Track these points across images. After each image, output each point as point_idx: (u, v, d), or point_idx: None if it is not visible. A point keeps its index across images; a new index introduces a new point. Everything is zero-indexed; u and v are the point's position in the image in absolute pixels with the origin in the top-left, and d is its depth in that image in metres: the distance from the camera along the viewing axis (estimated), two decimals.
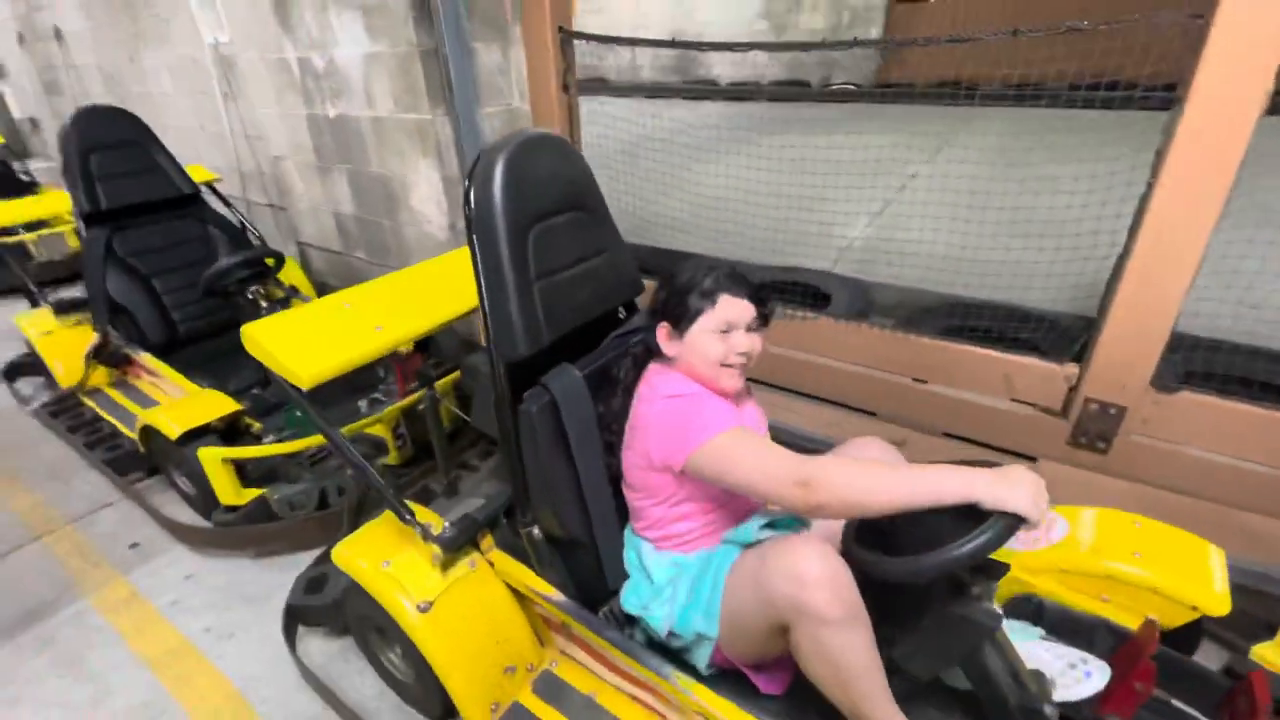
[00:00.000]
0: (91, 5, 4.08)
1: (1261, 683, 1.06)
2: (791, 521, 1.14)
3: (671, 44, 2.46)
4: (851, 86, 10.03)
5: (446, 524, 1.24)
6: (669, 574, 1.16)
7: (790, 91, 10.03)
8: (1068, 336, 2.17)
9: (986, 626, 0.96)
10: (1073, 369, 1.96)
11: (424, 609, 1.16)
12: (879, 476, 0.90)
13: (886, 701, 0.98)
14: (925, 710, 1.13)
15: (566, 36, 2.50)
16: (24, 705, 1.41)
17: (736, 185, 2.73)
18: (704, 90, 10.76)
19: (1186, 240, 1.63)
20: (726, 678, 1.13)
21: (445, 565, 1.22)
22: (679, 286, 1.13)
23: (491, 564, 1.27)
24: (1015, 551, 1.37)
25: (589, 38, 2.51)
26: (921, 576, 0.88)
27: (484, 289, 1.14)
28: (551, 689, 1.25)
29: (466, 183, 1.13)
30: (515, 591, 1.28)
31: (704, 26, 11.26)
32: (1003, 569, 1.05)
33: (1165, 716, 1.10)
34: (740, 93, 10.44)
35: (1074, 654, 1.14)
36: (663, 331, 1.15)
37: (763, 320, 1.16)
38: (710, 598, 1.07)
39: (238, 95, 3.32)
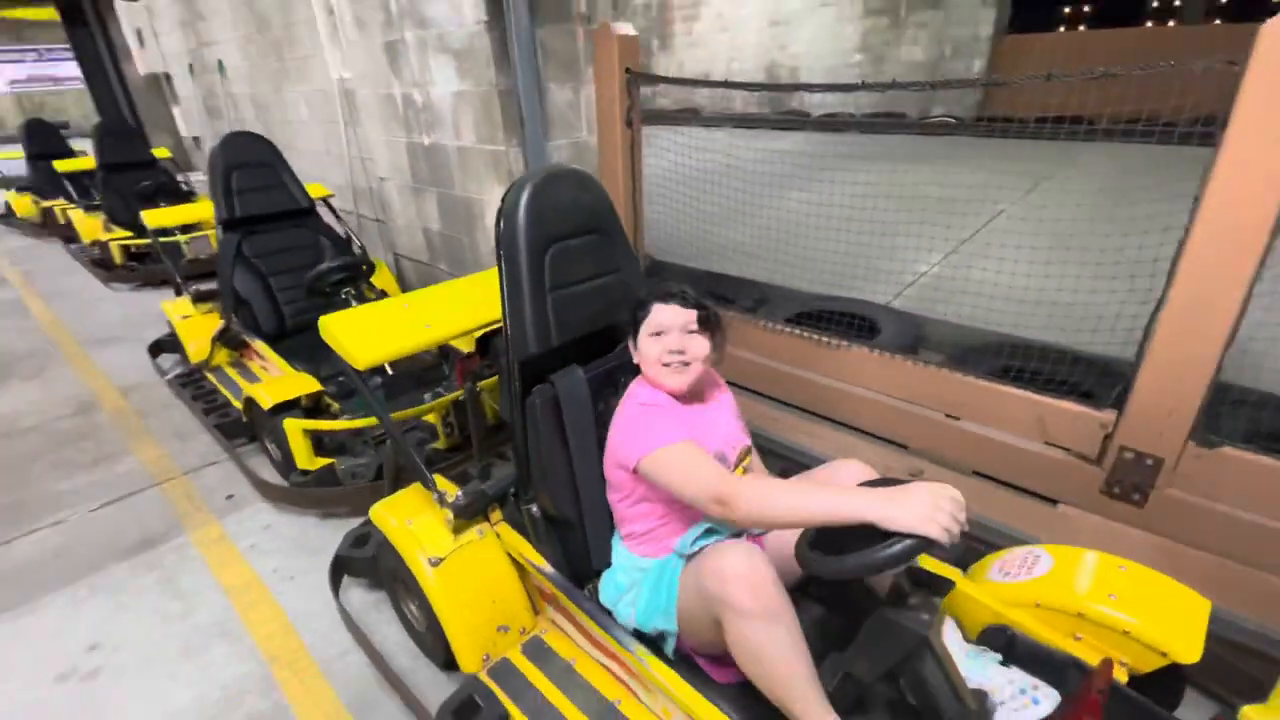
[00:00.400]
0: (247, 44, 4.82)
1: None
2: (725, 531, 1.22)
3: (724, 84, 2.62)
4: (951, 119, 9.74)
5: (460, 494, 1.44)
6: (631, 578, 1.29)
7: (882, 123, 9.88)
8: (1117, 384, 2.08)
9: (914, 632, 1.03)
10: (1109, 415, 1.91)
11: (435, 563, 1.36)
12: (788, 496, 1.01)
13: (811, 698, 1.05)
14: (872, 717, 1.19)
15: (633, 77, 2.73)
16: (129, 611, 1.75)
17: (813, 216, 2.82)
18: (771, 120, 10.76)
19: (1224, 288, 1.59)
20: (691, 663, 1.24)
21: (457, 530, 1.42)
22: (634, 304, 1.31)
23: (498, 535, 1.46)
24: (996, 583, 1.39)
25: (653, 79, 2.72)
26: (842, 575, 0.97)
27: (505, 296, 1.35)
28: (538, 652, 1.41)
29: (500, 206, 1.35)
30: (516, 563, 1.46)
31: (798, 60, 11.37)
32: (946, 585, 1.10)
33: None
34: (831, 123, 10.37)
35: (1027, 680, 1.16)
36: (631, 345, 1.32)
37: (703, 323, 1.29)
38: (667, 600, 1.19)
39: (355, 124, 3.83)
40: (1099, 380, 2.15)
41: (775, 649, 1.04)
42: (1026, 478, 2.07)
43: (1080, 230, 2.35)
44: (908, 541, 0.92)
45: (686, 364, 1.28)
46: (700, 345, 1.29)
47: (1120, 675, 1.20)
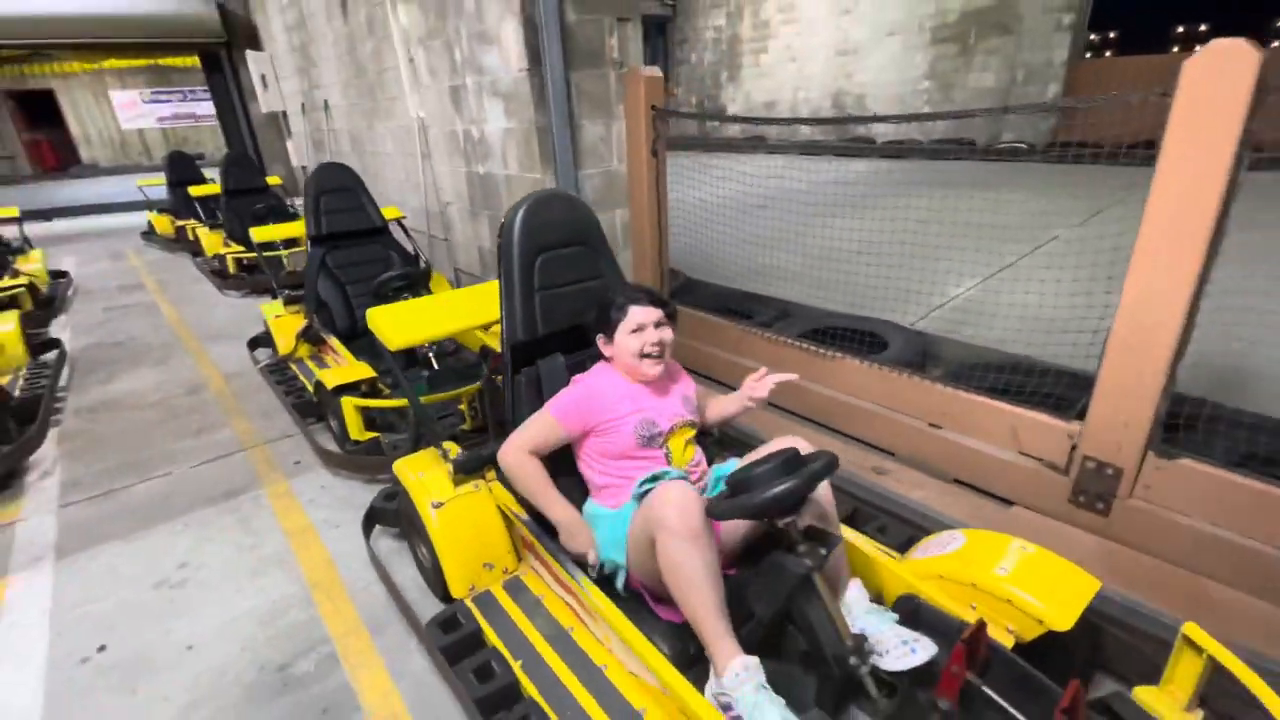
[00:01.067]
0: (347, 87, 5.55)
1: (1078, 692, 1.17)
2: (671, 474, 1.48)
3: (747, 120, 2.89)
4: (1022, 145, 9.51)
5: (460, 454, 1.76)
6: (595, 524, 1.56)
7: (947, 149, 9.76)
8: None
9: (793, 573, 1.24)
10: (1076, 426, 2.00)
11: (437, 505, 1.69)
12: (528, 483, 1.55)
13: (716, 618, 1.27)
14: (778, 661, 1.38)
15: (658, 114, 3.05)
16: (213, 542, 2.20)
17: (857, 240, 2.98)
18: (836, 148, 10.78)
19: (1168, 303, 1.70)
20: (641, 600, 1.48)
21: (457, 483, 1.75)
22: (603, 308, 1.60)
23: (491, 490, 1.77)
24: (914, 559, 1.56)
25: (675, 114, 3.04)
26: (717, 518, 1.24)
27: (502, 294, 1.67)
28: (516, 588, 1.70)
29: (502, 222, 1.68)
30: (504, 515, 1.75)
31: (864, 88, 11.45)
32: (834, 539, 1.31)
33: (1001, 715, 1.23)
34: (895, 150, 10.35)
35: (910, 635, 1.32)
36: (600, 340, 1.62)
37: (669, 317, 1.59)
38: (620, 536, 1.46)
39: (429, 156, 4.37)
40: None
41: (691, 568, 1.27)
42: (1002, 486, 2.17)
43: (1124, 258, 2.32)
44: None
45: (662, 353, 1.56)
46: (669, 335, 1.59)
47: (1006, 640, 1.34)
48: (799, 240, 3.41)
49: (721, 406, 1.76)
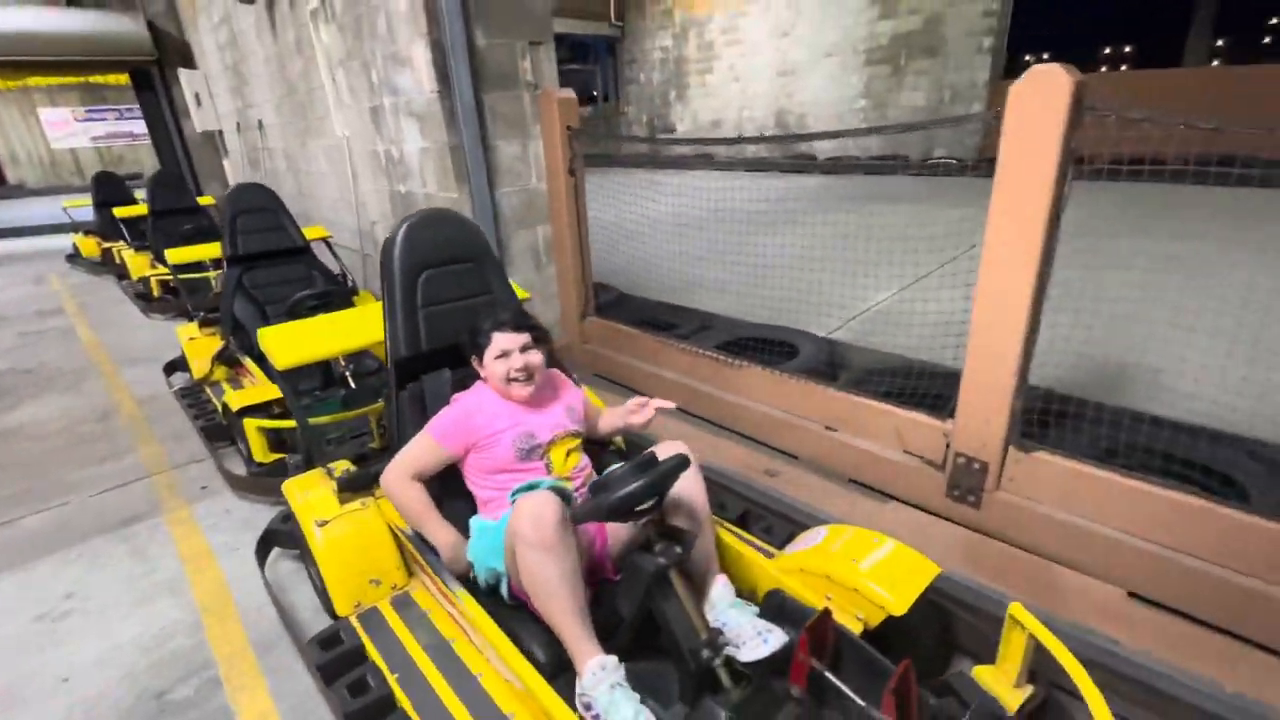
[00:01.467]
0: (280, 106, 5.50)
1: (907, 671, 1.25)
2: (544, 483, 1.51)
3: (650, 140, 2.99)
4: (952, 161, 9.96)
5: (344, 472, 1.78)
6: (479, 535, 1.58)
7: (884, 165, 10.15)
8: None
9: (646, 570, 1.30)
10: (950, 424, 2.12)
11: (321, 524, 1.69)
12: (409, 510, 1.60)
13: (574, 622, 1.32)
14: (655, 660, 1.42)
15: (572, 133, 3.13)
16: (104, 570, 2.14)
17: (789, 254, 3.09)
18: (781, 165, 11.12)
19: (1011, 305, 1.83)
20: (524, 608, 1.51)
21: (343, 500, 1.75)
22: (472, 332, 1.64)
23: (380, 507, 1.78)
24: (783, 554, 1.63)
25: (587, 135, 3.12)
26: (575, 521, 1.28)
27: (385, 311, 1.70)
28: (403, 604, 1.71)
29: (383, 241, 1.72)
30: (393, 531, 1.77)
31: (805, 107, 11.84)
32: (690, 537, 1.37)
33: (840, 698, 1.30)
34: (836, 166, 10.68)
35: (765, 626, 1.39)
36: (475, 361, 1.65)
37: (537, 340, 1.62)
38: (500, 546, 1.49)
39: (357, 175, 4.37)
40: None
41: (546, 576, 1.31)
42: (891, 485, 2.28)
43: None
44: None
45: (530, 377, 1.61)
46: (537, 358, 1.63)
47: (855, 627, 1.42)
48: (736, 255, 3.54)
49: (610, 420, 1.82)
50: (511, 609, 1.50)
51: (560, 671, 1.38)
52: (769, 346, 3.32)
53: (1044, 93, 1.64)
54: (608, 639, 1.36)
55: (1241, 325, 2.97)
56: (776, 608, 1.53)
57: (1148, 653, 1.46)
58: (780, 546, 1.80)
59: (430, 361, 1.74)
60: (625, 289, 4.47)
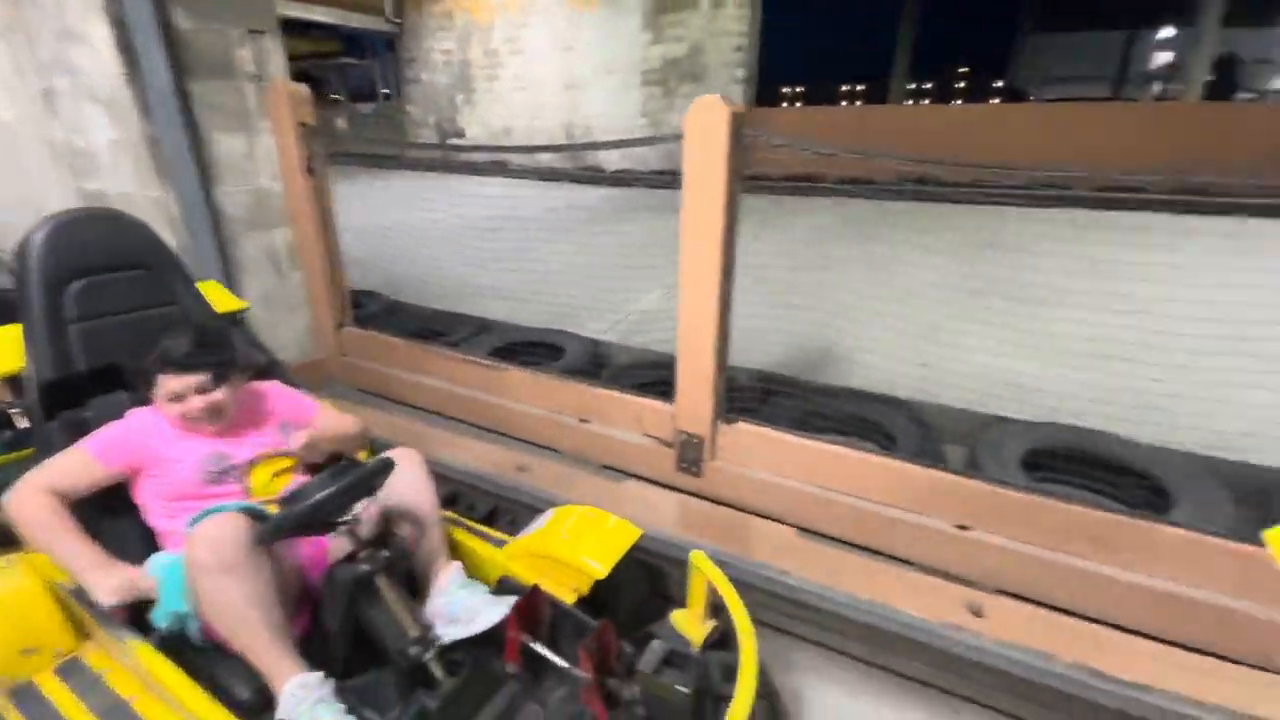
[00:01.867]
0: None
1: (603, 628, 1.38)
2: (230, 506, 1.39)
3: (381, 155, 2.90)
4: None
5: None
6: (159, 573, 1.39)
7: (663, 178, 10.98)
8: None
9: (344, 580, 1.27)
10: (674, 407, 2.39)
11: None
12: (33, 524, 1.33)
13: (269, 645, 1.23)
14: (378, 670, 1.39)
15: (307, 130, 2.91)
16: None
17: (572, 261, 3.14)
18: (572, 175, 11.51)
19: (701, 298, 2.11)
20: (221, 651, 1.36)
21: None
22: (142, 364, 1.41)
23: (30, 560, 1.50)
24: (511, 542, 1.70)
25: (325, 135, 2.94)
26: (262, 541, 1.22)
27: (25, 327, 1.44)
28: (71, 671, 1.45)
29: (15, 247, 1.45)
30: (55, 587, 1.49)
31: (593, 120, 12.31)
32: (399, 541, 1.38)
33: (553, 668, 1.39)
34: (623, 179, 11.22)
35: (496, 600, 1.44)
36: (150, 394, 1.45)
37: (217, 379, 1.43)
38: (179, 583, 1.32)
39: (27, 169, 3.57)
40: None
41: (227, 601, 1.20)
42: (635, 466, 2.50)
43: (778, 265, 2.88)
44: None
45: (216, 416, 1.43)
46: (219, 397, 1.43)
47: (569, 597, 1.54)
48: (520, 261, 3.57)
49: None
50: (202, 651, 1.36)
51: (269, 705, 1.29)
52: (539, 349, 3.45)
53: (709, 121, 1.93)
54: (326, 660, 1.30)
55: (914, 311, 3.77)
56: (506, 593, 1.59)
57: (807, 579, 1.80)
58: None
59: (95, 383, 1.51)
60: (409, 298, 4.30)
